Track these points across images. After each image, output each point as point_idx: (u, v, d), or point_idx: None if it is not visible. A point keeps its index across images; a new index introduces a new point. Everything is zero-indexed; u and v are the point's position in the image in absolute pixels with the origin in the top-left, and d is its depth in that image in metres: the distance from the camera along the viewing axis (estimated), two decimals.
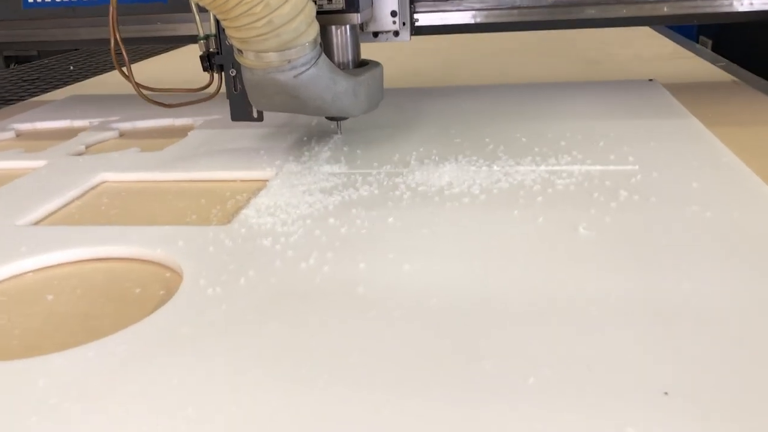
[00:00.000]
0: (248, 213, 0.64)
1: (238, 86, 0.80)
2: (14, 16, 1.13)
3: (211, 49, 0.79)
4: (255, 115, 0.82)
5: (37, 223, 0.67)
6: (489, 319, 0.45)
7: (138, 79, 0.77)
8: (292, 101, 0.73)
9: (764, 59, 1.45)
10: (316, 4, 0.72)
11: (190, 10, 0.75)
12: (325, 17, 0.76)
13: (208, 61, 0.79)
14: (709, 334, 0.42)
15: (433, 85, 1.19)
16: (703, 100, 0.96)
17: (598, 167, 0.70)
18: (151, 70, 1.54)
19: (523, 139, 0.80)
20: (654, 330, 0.43)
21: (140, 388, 0.40)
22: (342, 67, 0.80)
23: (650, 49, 1.44)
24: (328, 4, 0.76)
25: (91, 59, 1.76)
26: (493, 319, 0.45)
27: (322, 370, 0.41)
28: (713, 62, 1.26)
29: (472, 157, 0.75)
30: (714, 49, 1.59)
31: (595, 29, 1.57)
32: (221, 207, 0.68)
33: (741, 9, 1.00)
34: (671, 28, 1.72)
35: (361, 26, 0.86)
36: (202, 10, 0.71)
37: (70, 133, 0.97)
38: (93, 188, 0.76)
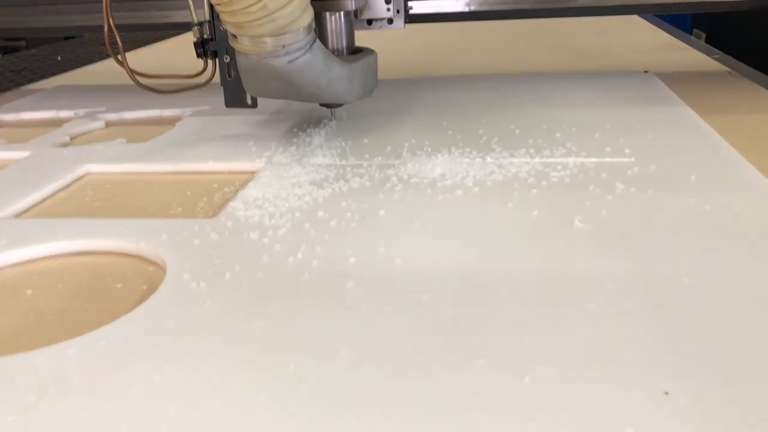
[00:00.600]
0: (235, 205, 0.62)
1: (232, 73, 0.79)
2: (4, 2, 1.11)
3: (205, 36, 0.79)
4: (249, 101, 0.81)
5: (18, 215, 0.65)
6: (483, 315, 0.44)
7: (140, 64, 0.77)
8: (287, 87, 0.73)
9: (757, 51, 1.44)
10: None
11: None
12: (320, 3, 0.76)
13: (202, 48, 0.79)
14: (709, 329, 0.41)
15: (424, 75, 1.17)
16: (698, 91, 0.95)
17: (594, 159, 0.69)
18: (144, 59, 1.51)
19: (517, 131, 0.79)
20: (654, 326, 0.42)
21: (122, 386, 0.39)
22: (336, 53, 0.79)
23: (645, 41, 1.42)
24: None
25: (79, 50, 1.73)
26: (488, 315, 0.44)
27: (310, 367, 0.39)
28: (708, 54, 1.25)
29: (466, 148, 0.74)
30: (707, 41, 1.58)
31: (589, 21, 1.56)
32: (208, 199, 0.66)
33: None
34: (665, 20, 1.71)
35: (356, 13, 0.85)
36: None
37: (55, 124, 0.95)
38: (77, 180, 0.74)
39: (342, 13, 0.79)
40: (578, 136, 0.76)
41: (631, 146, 0.72)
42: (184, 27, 1.12)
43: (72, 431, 0.35)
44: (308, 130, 0.83)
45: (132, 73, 0.77)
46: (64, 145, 0.86)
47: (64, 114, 1.01)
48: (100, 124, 0.95)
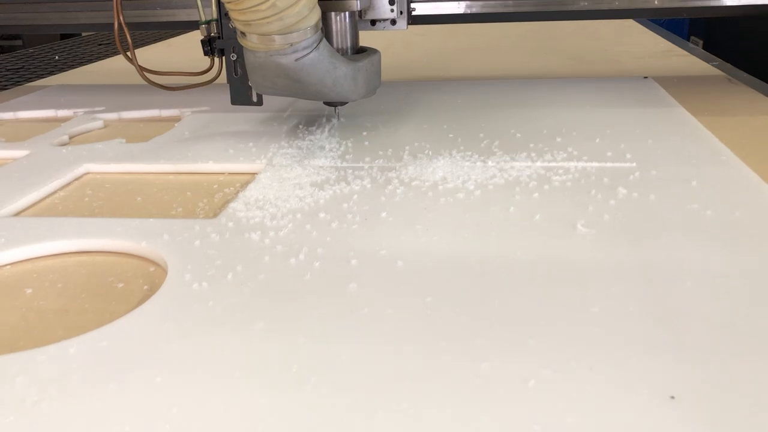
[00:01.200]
0: (236, 206, 0.62)
1: (239, 70, 0.80)
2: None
3: (213, 34, 0.80)
4: (254, 99, 0.82)
5: (17, 214, 0.65)
6: (486, 318, 0.44)
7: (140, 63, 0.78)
8: (293, 84, 0.74)
9: (753, 58, 1.45)
10: None
11: None
12: (326, 3, 0.77)
13: (209, 46, 0.80)
14: (714, 333, 0.41)
15: (425, 78, 1.17)
16: (698, 97, 0.95)
17: (595, 164, 0.69)
18: (148, 58, 1.51)
19: (518, 135, 0.79)
20: (658, 330, 0.41)
21: (122, 386, 0.38)
22: (341, 53, 0.81)
23: (643, 47, 1.43)
24: None
25: (77, 49, 1.73)
26: (490, 319, 0.44)
27: (312, 369, 0.39)
28: (706, 60, 1.25)
29: (467, 152, 0.74)
30: (705, 48, 1.59)
31: (588, 27, 1.57)
32: (208, 200, 0.66)
33: (728, 3, 1.01)
34: (663, 26, 1.71)
35: (360, 13, 0.86)
36: None
37: (54, 123, 0.94)
38: (76, 179, 0.74)
39: (347, 13, 0.81)
40: (579, 141, 0.76)
41: (632, 151, 0.72)
42: (184, 26, 1.12)
43: (73, 431, 0.35)
44: (309, 131, 0.83)
45: (141, 69, 0.78)
46: (63, 144, 0.86)
47: (62, 113, 1.01)
48: (99, 123, 0.94)
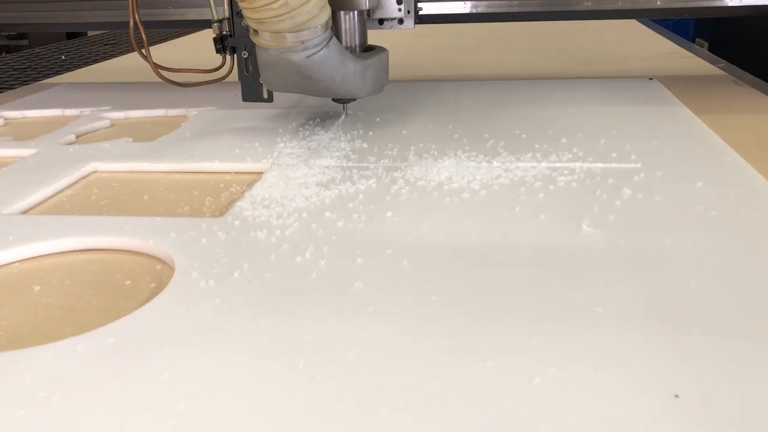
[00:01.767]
0: (242, 205, 0.62)
1: (250, 68, 0.82)
2: None
3: (225, 32, 0.82)
4: (265, 95, 0.84)
5: (25, 212, 0.65)
6: (491, 317, 0.44)
7: (146, 63, 0.80)
8: (304, 81, 0.76)
9: (759, 60, 1.45)
10: None
11: None
12: (336, 2, 0.79)
13: (221, 44, 0.82)
14: (719, 333, 0.41)
15: (429, 78, 1.17)
16: (703, 99, 0.95)
17: (600, 165, 0.69)
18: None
19: (523, 136, 0.79)
20: (663, 330, 0.42)
21: (130, 383, 0.39)
22: (350, 51, 0.82)
23: (648, 49, 1.43)
24: None
25: (83, 48, 1.74)
26: (496, 317, 0.44)
27: (318, 367, 0.39)
28: (712, 62, 1.25)
29: (472, 152, 0.74)
30: (710, 50, 1.59)
31: (593, 29, 1.57)
32: (215, 199, 0.66)
33: (731, 3, 1.01)
34: (668, 28, 1.71)
35: (368, 12, 0.88)
36: None
37: (60, 122, 0.95)
38: (83, 178, 0.74)
39: (356, 12, 0.82)
40: (584, 142, 0.76)
41: (637, 152, 0.72)
42: (194, 24, 1.13)
43: (81, 427, 0.35)
44: (315, 131, 0.84)
45: (156, 67, 0.80)
46: (70, 143, 0.86)
47: (69, 112, 1.02)
48: (105, 122, 0.95)
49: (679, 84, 1.04)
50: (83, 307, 0.48)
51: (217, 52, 0.82)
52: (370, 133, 0.83)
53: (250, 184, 0.68)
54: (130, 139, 0.84)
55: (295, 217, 0.59)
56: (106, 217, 0.62)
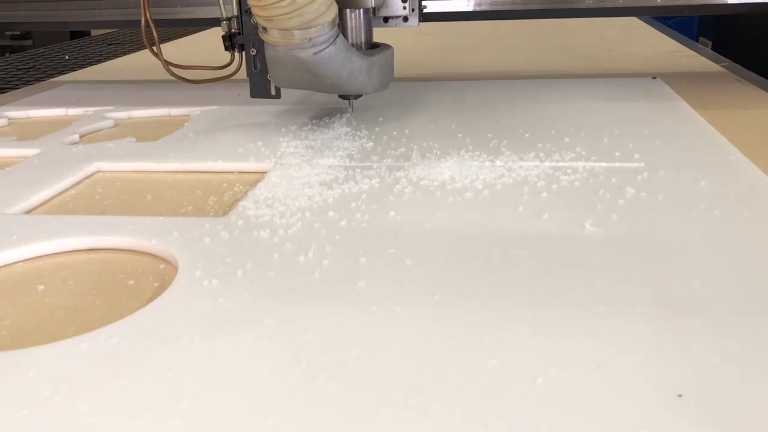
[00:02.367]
0: (246, 205, 0.62)
1: (258, 65, 0.84)
2: None
3: (233, 30, 0.83)
4: (273, 92, 0.86)
5: (29, 211, 0.66)
6: (494, 315, 0.44)
7: (150, 62, 0.82)
8: (311, 78, 0.78)
9: (763, 59, 1.44)
10: None
11: None
12: (342, 0, 0.81)
13: (229, 41, 0.83)
14: (722, 333, 0.41)
15: (432, 78, 1.17)
16: (707, 98, 0.95)
17: (603, 164, 0.69)
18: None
19: (526, 135, 0.79)
20: (666, 329, 0.42)
21: (133, 382, 0.39)
22: (356, 48, 0.84)
23: (652, 48, 1.42)
24: None
25: (87, 48, 1.74)
26: (499, 316, 0.44)
27: (321, 366, 0.39)
28: (715, 61, 1.25)
29: (475, 152, 0.74)
30: (714, 49, 1.58)
31: (595, 27, 1.57)
32: (218, 198, 0.66)
33: (731, 1, 1.02)
34: (671, 27, 1.71)
35: (373, 10, 0.89)
36: None
37: (64, 122, 0.95)
38: (87, 178, 0.74)
39: (362, 10, 0.84)
40: (587, 141, 0.76)
41: (641, 151, 0.72)
42: (203, 23, 1.14)
43: (85, 425, 0.36)
44: (317, 131, 0.84)
45: (167, 64, 0.82)
46: (74, 142, 0.87)
47: (73, 112, 1.02)
48: (109, 122, 0.95)
49: (682, 82, 1.03)
50: (87, 306, 0.49)
51: (225, 50, 0.84)
52: (373, 132, 0.83)
53: (254, 184, 0.68)
54: (134, 139, 0.84)
55: (298, 217, 0.59)
56: (110, 216, 0.62)
